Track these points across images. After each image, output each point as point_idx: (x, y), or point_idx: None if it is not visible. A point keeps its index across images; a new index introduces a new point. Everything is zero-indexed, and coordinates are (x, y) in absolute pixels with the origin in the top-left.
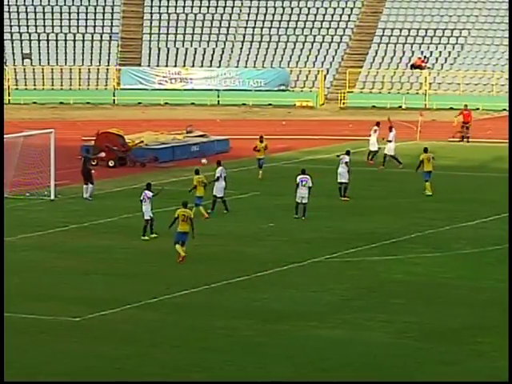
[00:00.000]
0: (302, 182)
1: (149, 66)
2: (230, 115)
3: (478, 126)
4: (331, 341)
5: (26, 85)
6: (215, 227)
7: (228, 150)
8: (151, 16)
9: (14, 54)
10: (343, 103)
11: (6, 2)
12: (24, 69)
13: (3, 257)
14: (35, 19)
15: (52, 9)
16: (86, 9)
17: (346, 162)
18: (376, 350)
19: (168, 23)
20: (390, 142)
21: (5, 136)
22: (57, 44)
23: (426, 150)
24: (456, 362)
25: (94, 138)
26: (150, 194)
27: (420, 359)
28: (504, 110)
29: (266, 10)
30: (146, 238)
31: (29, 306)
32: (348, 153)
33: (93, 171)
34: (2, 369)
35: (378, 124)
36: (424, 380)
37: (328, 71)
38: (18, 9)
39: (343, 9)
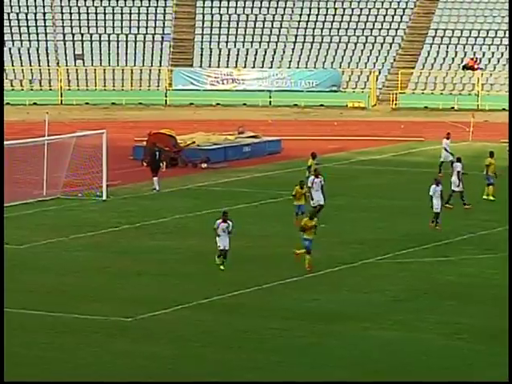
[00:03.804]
0: (435, 193)
1: (201, 66)
2: (281, 116)
3: None
4: (383, 342)
5: (78, 85)
6: (267, 228)
7: (280, 151)
8: (203, 17)
9: (66, 54)
10: (395, 104)
11: (58, 3)
12: (76, 69)
13: (3, 256)
14: (87, 20)
15: (104, 10)
16: (138, 10)
17: (458, 171)
18: (428, 352)
19: (220, 24)
20: None
21: (58, 136)
22: (109, 45)
23: (492, 155)
24: (507, 363)
25: (146, 139)
26: (224, 225)
27: (472, 361)
28: None
29: (318, 11)
30: (222, 267)
31: (81, 306)
32: (459, 160)
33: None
34: (3, 369)
35: None
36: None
37: (380, 72)
38: (70, 10)
39: (395, 9)
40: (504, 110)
